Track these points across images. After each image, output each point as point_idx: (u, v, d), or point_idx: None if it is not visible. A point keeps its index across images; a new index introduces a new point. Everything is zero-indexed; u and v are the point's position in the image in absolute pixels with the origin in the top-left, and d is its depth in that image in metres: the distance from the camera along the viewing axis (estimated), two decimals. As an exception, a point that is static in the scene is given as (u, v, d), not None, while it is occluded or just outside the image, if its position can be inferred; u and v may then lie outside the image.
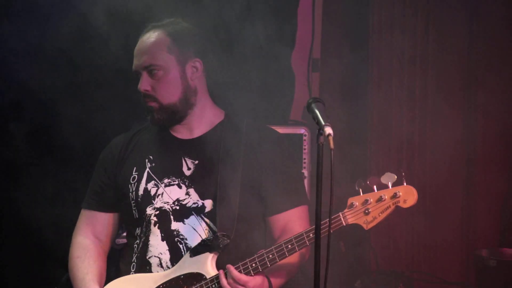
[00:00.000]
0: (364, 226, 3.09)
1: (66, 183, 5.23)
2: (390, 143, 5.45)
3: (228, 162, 3.37)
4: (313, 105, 3.00)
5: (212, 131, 3.46)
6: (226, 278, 3.20)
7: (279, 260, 3.17)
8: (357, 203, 3.09)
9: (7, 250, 5.20)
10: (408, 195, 3.05)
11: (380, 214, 3.07)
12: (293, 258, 3.26)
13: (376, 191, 3.08)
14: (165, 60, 3.38)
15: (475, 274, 4.95)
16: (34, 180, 5.20)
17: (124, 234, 4.81)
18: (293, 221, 3.37)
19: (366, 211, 3.08)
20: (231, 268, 3.19)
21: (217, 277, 3.23)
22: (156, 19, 3.54)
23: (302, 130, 4.84)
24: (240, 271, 3.18)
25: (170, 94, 3.39)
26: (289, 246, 3.16)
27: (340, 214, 3.11)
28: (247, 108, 4.05)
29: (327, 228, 3.02)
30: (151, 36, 3.40)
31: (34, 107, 5.06)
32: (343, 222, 3.11)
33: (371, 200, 3.06)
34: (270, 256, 3.17)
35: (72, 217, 5.32)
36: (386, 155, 5.45)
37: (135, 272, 3.43)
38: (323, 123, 2.91)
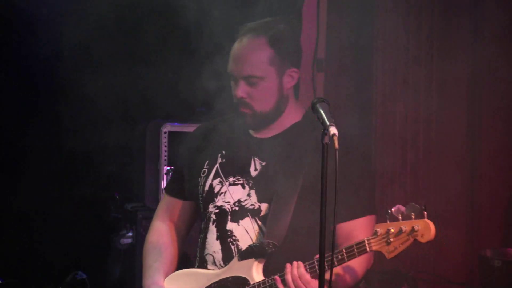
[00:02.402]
0: (386, 255, 3.10)
1: (75, 179, 5.26)
2: (395, 143, 5.45)
3: (292, 165, 3.34)
4: (317, 105, 3.01)
5: (286, 132, 3.44)
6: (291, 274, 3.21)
7: (328, 269, 3.09)
8: (381, 231, 3.11)
9: (12, 249, 5.20)
10: (425, 230, 3.04)
11: (400, 245, 3.08)
12: (358, 265, 3.28)
13: (400, 221, 3.09)
14: (266, 71, 3.36)
15: (479, 274, 4.94)
16: (42, 175, 5.22)
17: (129, 234, 4.82)
18: (358, 230, 3.32)
19: (388, 241, 3.09)
20: (301, 264, 3.19)
21: (258, 284, 3.27)
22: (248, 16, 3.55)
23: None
24: (306, 271, 3.18)
25: (264, 103, 3.38)
26: (339, 256, 3.14)
27: (366, 240, 3.12)
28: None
29: (353, 253, 3.10)
30: (252, 43, 3.37)
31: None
32: (367, 249, 3.13)
33: (392, 230, 3.07)
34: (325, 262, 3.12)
35: (76, 216, 5.34)
36: (391, 155, 5.45)
37: (198, 267, 3.49)
38: (327, 123, 2.92)
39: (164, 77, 4.87)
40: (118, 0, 5.10)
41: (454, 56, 5.30)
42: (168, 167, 4.97)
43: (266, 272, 3.30)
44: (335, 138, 2.87)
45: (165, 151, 4.98)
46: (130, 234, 4.85)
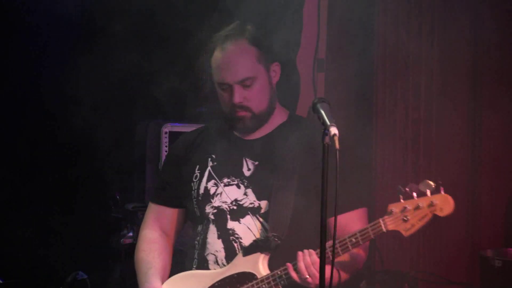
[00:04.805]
0: (403, 232, 3.16)
1: (76, 179, 5.25)
2: (395, 143, 5.45)
3: (286, 163, 3.42)
4: (318, 105, 3.02)
5: (274, 132, 3.53)
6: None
7: (342, 254, 3.22)
8: (396, 210, 3.16)
9: (12, 250, 5.20)
10: (444, 204, 3.11)
11: (418, 222, 3.14)
12: (358, 256, 3.36)
13: (415, 198, 3.11)
14: (256, 70, 3.46)
15: (480, 274, 4.94)
16: (42, 175, 5.22)
17: (130, 234, 4.82)
18: (352, 222, 3.39)
19: (405, 218, 3.14)
20: (312, 251, 3.24)
21: (267, 277, 3.31)
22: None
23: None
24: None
25: (261, 102, 3.48)
26: (353, 240, 3.21)
27: (381, 220, 3.18)
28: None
29: (368, 235, 3.17)
30: (236, 48, 3.46)
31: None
32: (383, 228, 3.19)
33: (409, 207, 3.12)
34: (339, 247, 3.21)
35: (76, 216, 5.34)
36: (391, 156, 5.45)
37: (196, 268, 3.52)
38: (328, 123, 2.94)
39: (165, 77, 4.88)
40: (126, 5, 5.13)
41: (455, 56, 5.30)
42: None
43: (271, 266, 3.34)
44: (336, 138, 2.89)
45: (165, 151, 4.98)
46: (130, 234, 4.85)
